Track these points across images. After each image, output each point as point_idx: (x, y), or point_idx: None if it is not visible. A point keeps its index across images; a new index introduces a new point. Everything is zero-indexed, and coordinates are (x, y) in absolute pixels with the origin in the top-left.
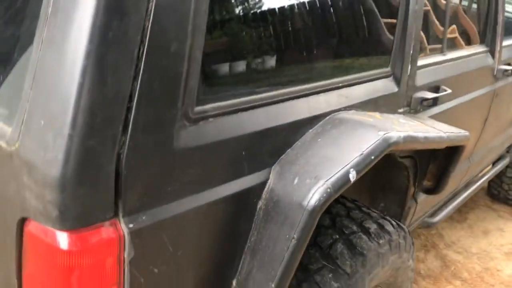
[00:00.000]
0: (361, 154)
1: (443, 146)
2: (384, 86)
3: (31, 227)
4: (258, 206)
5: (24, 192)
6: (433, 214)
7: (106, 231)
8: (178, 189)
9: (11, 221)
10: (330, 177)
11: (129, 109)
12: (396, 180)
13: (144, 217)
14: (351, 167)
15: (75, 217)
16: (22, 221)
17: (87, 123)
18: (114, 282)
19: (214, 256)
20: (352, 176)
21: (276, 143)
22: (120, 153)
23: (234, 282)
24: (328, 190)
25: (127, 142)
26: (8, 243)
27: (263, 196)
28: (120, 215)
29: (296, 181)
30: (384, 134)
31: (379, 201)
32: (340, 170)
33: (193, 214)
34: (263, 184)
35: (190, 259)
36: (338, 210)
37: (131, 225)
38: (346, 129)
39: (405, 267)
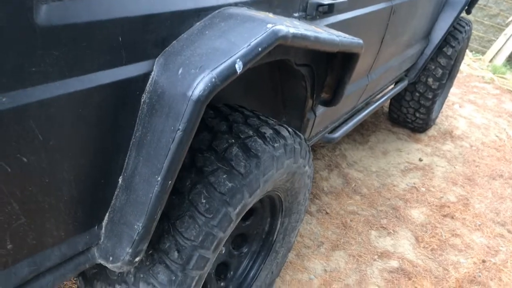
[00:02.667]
0: (248, 45)
1: (335, 49)
2: None
3: None
4: (142, 100)
5: None
6: (333, 131)
7: None
8: (44, 72)
9: None
10: (216, 67)
11: None
12: (295, 92)
13: (4, 99)
14: (237, 58)
15: None
16: None
17: None
18: None
19: (95, 150)
20: (239, 67)
21: (159, 33)
22: None
23: (120, 179)
24: (213, 80)
25: None
26: None
27: (147, 89)
28: None
29: (180, 71)
30: (273, 26)
31: (281, 115)
32: (226, 61)
33: (64, 101)
34: (146, 76)
35: (66, 151)
36: (236, 117)
37: None
38: (236, 22)
39: (302, 173)
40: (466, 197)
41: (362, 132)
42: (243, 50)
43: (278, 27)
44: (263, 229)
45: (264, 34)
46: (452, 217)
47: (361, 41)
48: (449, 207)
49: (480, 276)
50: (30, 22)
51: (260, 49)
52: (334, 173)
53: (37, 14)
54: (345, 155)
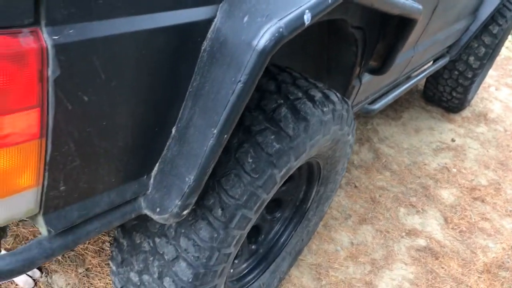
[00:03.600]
0: None
1: (396, 12)
2: None
3: None
4: (203, 48)
5: None
6: (373, 102)
7: (25, 39)
8: (111, 5)
9: None
10: (284, 17)
11: None
12: (343, 57)
13: (71, 31)
14: (306, 8)
15: None
16: None
17: None
18: (34, 103)
19: (153, 97)
20: (307, 18)
21: None
22: None
23: (174, 129)
24: (280, 29)
25: None
26: None
27: (208, 36)
28: (43, 22)
29: (245, 19)
30: None
31: (324, 79)
32: (294, 10)
33: (129, 40)
34: (209, 22)
35: (125, 94)
36: (284, 78)
37: (55, 37)
38: None
39: (345, 141)
40: (498, 182)
41: (396, 108)
42: (312, 0)
43: None
44: (298, 196)
45: None
46: (483, 201)
47: (420, 6)
48: (480, 190)
49: (508, 262)
50: None
51: (330, 1)
52: (365, 147)
53: None
54: (377, 129)
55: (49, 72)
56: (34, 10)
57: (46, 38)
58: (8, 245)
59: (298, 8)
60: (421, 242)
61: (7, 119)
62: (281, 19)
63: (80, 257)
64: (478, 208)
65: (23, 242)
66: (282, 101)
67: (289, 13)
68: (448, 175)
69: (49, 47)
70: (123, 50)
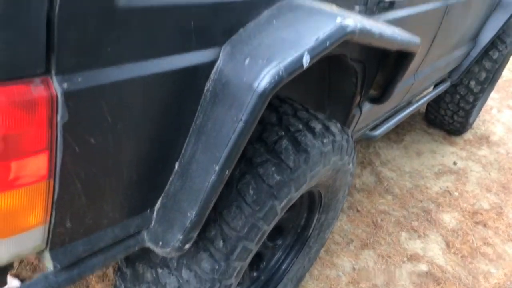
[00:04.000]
0: (317, 39)
1: (395, 47)
2: None
3: None
4: (206, 88)
5: None
6: (374, 128)
7: (36, 88)
8: (119, 52)
9: None
10: (283, 60)
11: None
12: (343, 87)
13: (80, 78)
14: (305, 51)
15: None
16: None
17: None
18: (44, 147)
19: (157, 135)
20: (306, 61)
21: (228, 21)
22: None
23: (176, 165)
24: (280, 72)
25: None
26: None
27: (211, 77)
28: (53, 72)
29: (247, 62)
30: (342, 21)
31: (325, 108)
32: (294, 54)
33: (135, 84)
34: (211, 64)
35: (131, 134)
36: (286, 109)
37: (65, 85)
38: (303, 14)
39: (345, 170)
40: (500, 206)
41: (397, 131)
42: (311, 43)
43: (347, 22)
44: (299, 223)
45: (333, 28)
46: (485, 225)
47: (418, 40)
48: (482, 214)
49: None
50: (111, 3)
51: (328, 43)
52: (367, 170)
53: None
54: (379, 153)
55: (58, 118)
56: (45, 60)
57: (56, 86)
58: (13, 270)
59: (297, 51)
60: (423, 267)
61: (18, 163)
62: (280, 61)
63: (84, 282)
64: (480, 233)
65: (27, 267)
66: (283, 133)
67: (289, 56)
68: (450, 198)
69: (59, 94)
70: (130, 94)
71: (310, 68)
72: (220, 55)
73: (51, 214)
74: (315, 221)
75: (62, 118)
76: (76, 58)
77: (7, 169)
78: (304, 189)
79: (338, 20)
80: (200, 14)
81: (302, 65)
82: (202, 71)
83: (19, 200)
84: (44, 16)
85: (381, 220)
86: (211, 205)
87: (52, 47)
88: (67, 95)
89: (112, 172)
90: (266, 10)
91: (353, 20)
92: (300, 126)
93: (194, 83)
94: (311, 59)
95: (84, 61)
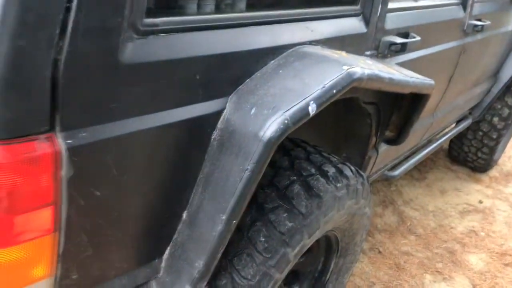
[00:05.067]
0: (323, 87)
1: (407, 91)
2: (352, 25)
3: None
4: (212, 137)
5: None
6: (393, 168)
7: (40, 145)
8: (124, 108)
9: None
10: (289, 109)
11: (68, 9)
12: (358, 129)
13: (84, 134)
14: (311, 100)
15: (5, 125)
16: None
17: (18, 20)
18: (50, 201)
19: (164, 185)
20: (312, 109)
21: (234, 71)
22: (58, 59)
23: (184, 214)
24: (286, 121)
25: (65, 47)
26: None
27: (218, 126)
28: (57, 129)
29: (253, 111)
30: (348, 68)
31: (342, 151)
32: (299, 102)
33: (140, 137)
34: (218, 114)
35: (137, 186)
36: (298, 153)
37: (69, 141)
38: (310, 62)
39: (361, 214)
40: None
41: (420, 169)
42: (317, 92)
43: (353, 69)
44: (316, 268)
45: (339, 76)
46: None
47: (432, 82)
48: (511, 255)
49: None
50: (115, 60)
51: (334, 91)
52: (389, 209)
53: (122, 52)
54: (401, 191)
55: (63, 173)
56: (50, 118)
57: (60, 143)
58: None
59: (303, 100)
60: None
61: (22, 217)
62: (286, 111)
63: None
64: (509, 275)
65: None
66: (295, 178)
67: (294, 105)
68: (476, 239)
69: (63, 150)
70: (135, 146)
71: (324, 110)
72: (227, 104)
73: (57, 267)
74: (332, 265)
75: (67, 173)
76: (80, 115)
77: (11, 224)
78: (318, 235)
79: (345, 68)
80: (207, 66)
81: (308, 113)
82: (209, 121)
83: (25, 254)
84: (48, 76)
85: (404, 262)
86: (219, 255)
87: (57, 106)
88: (71, 150)
89: (118, 224)
90: (273, 60)
91: (360, 68)
92: (313, 170)
93: (200, 133)
94: (317, 107)
95: (88, 117)
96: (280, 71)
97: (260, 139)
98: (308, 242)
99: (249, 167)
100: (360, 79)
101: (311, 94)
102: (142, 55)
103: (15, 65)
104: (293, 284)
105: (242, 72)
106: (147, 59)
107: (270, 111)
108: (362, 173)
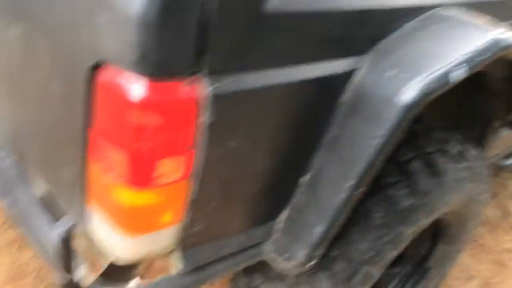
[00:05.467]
0: (467, 54)
1: None
2: None
3: (105, 74)
4: (342, 100)
5: (100, 33)
6: (507, 157)
7: (186, 88)
8: (264, 58)
9: (79, 71)
10: (429, 74)
11: None
12: (482, 108)
13: (228, 81)
14: (453, 67)
15: (156, 63)
16: (94, 69)
17: None
18: (189, 146)
19: (289, 145)
20: (454, 77)
21: (371, 30)
22: (206, 1)
23: (304, 178)
24: (425, 88)
25: None
26: (74, 96)
27: (349, 87)
28: (204, 73)
29: (390, 74)
30: (495, 35)
31: (462, 130)
32: (441, 68)
33: (276, 91)
34: (350, 74)
35: (266, 141)
36: (421, 127)
37: (214, 87)
38: (451, 26)
39: (478, 200)
40: None
41: None
42: (460, 59)
43: (501, 35)
44: (420, 253)
45: (485, 43)
46: None
47: None
48: None
49: None
50: (260, 8)
51: (479, 59)
52: (492, 203)
53: (268, 1)
54: (506, 184)
55: (206, 118)
56: (197, 62)
57: (206, 88)
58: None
59: (444, 66)
60: None
61: (164, 162)
62: (426, 76)
63: None
64: None
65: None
66: (417, 153)
67: (436, 71)
68: None
69: (208, 95)
70: (270, 100)
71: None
72: (360, 65)
73: (186, 214)
74: (438, 251)
75: (208, 119)
76: (226, 61)
77: (153, 166)
78: (435, 216)
79: (492, 33)
80: (345, 21)
81: (448, 82)
82: (340, 81)
83: (159, 198)
84: (198, 19)
85: (508, 259)
86: (339, 223)
87: (205, 49)
88: (215, 96)
89: (245, 178)
90: (411, 21)
91: (508, 35)
92: (436, 147)
93: (330, 93)
94: (459, 75)
95: (233, 64)
96: (418, 33)
97: (396, 104)
98: (425, 222)
99: (381, 134)
100: (508, 47)
101: (453, 61)
102: (285, 4)
103: (169, 6)
104: (395, 266)
105: (378, 32)
106: (290, 9)
107: (408, 75)
108: (485, 156)
